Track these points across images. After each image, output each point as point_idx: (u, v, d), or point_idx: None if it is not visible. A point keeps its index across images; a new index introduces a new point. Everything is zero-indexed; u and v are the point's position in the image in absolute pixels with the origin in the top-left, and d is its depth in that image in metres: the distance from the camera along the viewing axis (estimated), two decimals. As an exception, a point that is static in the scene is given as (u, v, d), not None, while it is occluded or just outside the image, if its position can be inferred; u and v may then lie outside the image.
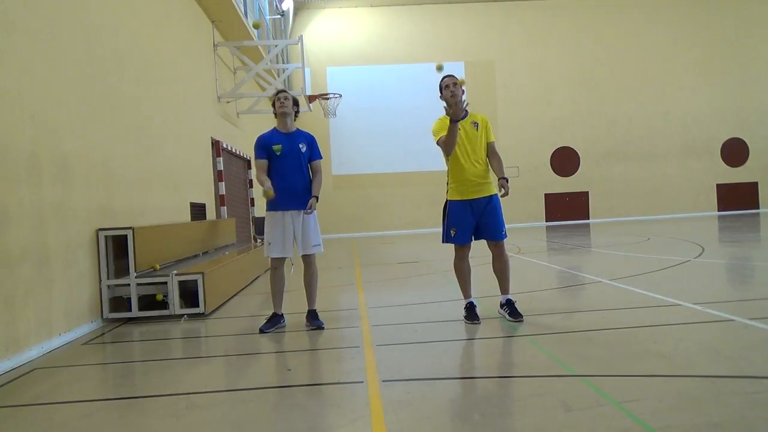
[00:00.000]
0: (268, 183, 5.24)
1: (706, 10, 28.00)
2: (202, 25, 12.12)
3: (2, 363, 4.42)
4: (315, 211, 5.47)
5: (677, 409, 2.94)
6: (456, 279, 5.45)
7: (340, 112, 20.49)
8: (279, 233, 5.35)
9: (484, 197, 5.21)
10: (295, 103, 5.57)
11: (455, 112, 4.89)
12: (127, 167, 7.21)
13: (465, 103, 5.01)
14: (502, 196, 5.18)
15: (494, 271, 5.43)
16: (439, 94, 5.21)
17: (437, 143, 5.19)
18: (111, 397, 3.90)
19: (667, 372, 3.59)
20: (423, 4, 27.34)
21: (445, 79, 5.21)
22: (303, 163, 5.43)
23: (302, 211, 5.37)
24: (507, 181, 5.13)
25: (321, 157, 5.59)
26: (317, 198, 5.42)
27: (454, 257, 5.42)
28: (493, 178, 5.30)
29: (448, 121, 5.09)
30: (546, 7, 27.68)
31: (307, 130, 5.68)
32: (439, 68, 5.73)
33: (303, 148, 5.43)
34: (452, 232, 5.23)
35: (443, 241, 5.37)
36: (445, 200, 5.35)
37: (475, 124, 5.23)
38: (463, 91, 5.13)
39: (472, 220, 5.21)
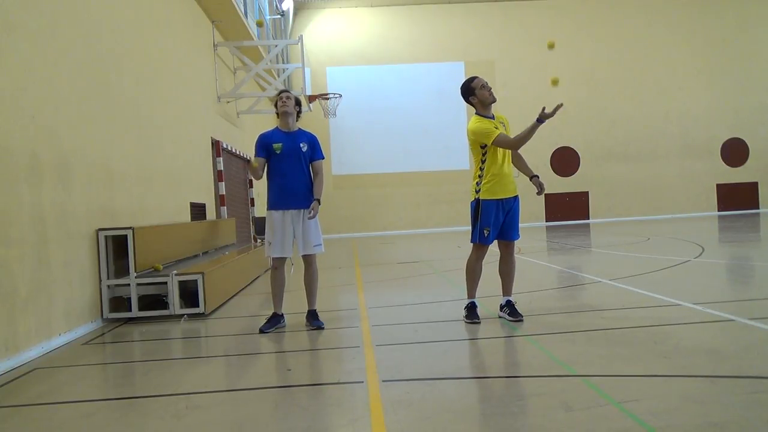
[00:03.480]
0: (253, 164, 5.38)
1: (706, 11, 28.00)
2: (202, 25, 12.12)
3: (2, 363, 4.42)
4: None
5: (677, 409, 2.93)
6: (465, 277, 5.40)
7: (340, 112, 20.47)
8: (279, 233, 5.35)
9: (512, 197, 5.25)
10: (298, 103, 5.57)
11: (546, 116, 4.77)
12: (127, 167, 7.21)
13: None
14: (539, 193, 5.26)
15: (500, 272, 5.43)
16: (470, 96, 5.22)
17: (495, 142, 5.00)
18: (111, 397, 3.90)
19: (667, 372, 3.59)
20: (423, 4, 27.33)
21: (479, 79, 5.26)
22: (304, 163, 5.42)
23: (302, 210, 5.37)
24: (539, 177, 5.26)
25: (323, 158, 5.57)
26: (319, 201, 5.41)
27: (470, 256, 5.36)
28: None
29: (488, 121, 5.12)
30: (546, 7, 27.67)
31: (309, 130, 5.68)
32: (555, 82, 5.82)
33: (304, 147, 5.43)
34: (486, 232, 5.16)
35: (473, 241, 5.26)
36: (474, 200, 5.21)
37: (502, 125, 5.27)
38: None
39: (501, 219, 5.21)
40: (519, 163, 5.40)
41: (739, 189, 28.07)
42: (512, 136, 5.24)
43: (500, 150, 5.13)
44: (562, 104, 4.66)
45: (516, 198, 5.27)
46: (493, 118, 5.23)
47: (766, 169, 28.08)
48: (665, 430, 2.68)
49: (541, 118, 4.77)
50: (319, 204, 5.39)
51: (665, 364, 3.75)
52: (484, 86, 5.19)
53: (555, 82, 6.27)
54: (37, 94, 5.23)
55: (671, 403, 3.02)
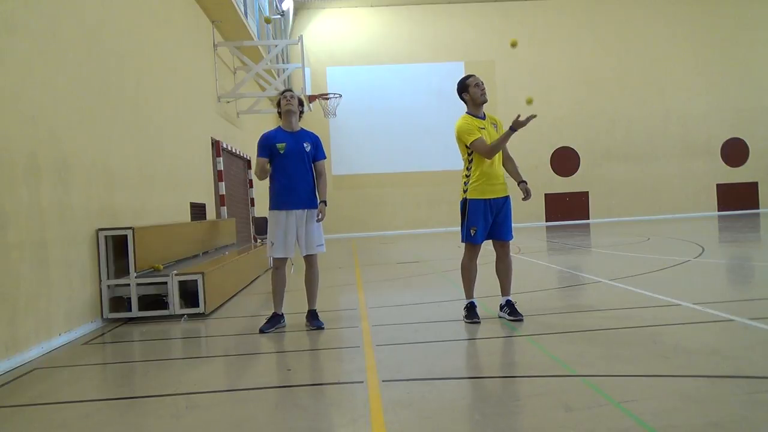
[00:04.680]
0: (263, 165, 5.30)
1: (707, 10, 27.99)
2: (202, 25, 12.12)
3: (2, 363, 4.42)
4: (317, 210, 5.46)
5: (677, 409, 2.94)
6: (461, 278, 5.42)
7: (340, 112, 20.46)
8: (281, 233, 5.35)
9: (501, 197, 5.25)
10: (300, 103, 5.58)
11: (519, 125, 4.92)
12: (127, 167, 7.21)
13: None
14: (525, 199, 5.26)
15: (497, 272, 5.43)
16: (463, 93, 5.27)
17: (471, 145, 5.11)
18: (111, 397, 3.90)
19: (667, 372, 3.59)
20: (423, 4, 27.32)
21: (473, 77, 5.29)
22: (307, 163, 5.42)
23: (306, 210, 5.37)
24: (527, 183, 5.25)
25: (325, 158, 5.58)
26: (326, 203, 5.42)
27: (463, 257, 5.39)
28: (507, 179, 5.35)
29: (474, 121, 5.16)
30: (546, 7, 27.66)
31: (311, 131, 5.67)
32: (514, 44, 5.99)
33: (307, 147, 5.42)
34: (472, 232, 5.19)
35: (462, 241, 5.30)
36: (462, 199, 5.27)
37: (494, 125, 5.30)
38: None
39: (489, 219, 5.22)
40: (509, 165, 5.39)
41: (739, 189, 28.05)
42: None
43: None
44: (535, 115, 4.90)
45: (506, 198, 5.28)
46: (483, 118, 5.26)
47: (766, 169, 28.07)
48: (665, 430, 2.68)
49: (514, 127, 4.91)
50: (326, 205, 5.41)
51: (665, 364, 3.75)
52: (478, 85, 5.25)
53: (530, 101, 6.32)
54: (37, 94, 5.23)
55: (671, 403, 3.02)
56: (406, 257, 13.28)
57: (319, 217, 5.35)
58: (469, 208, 5.21)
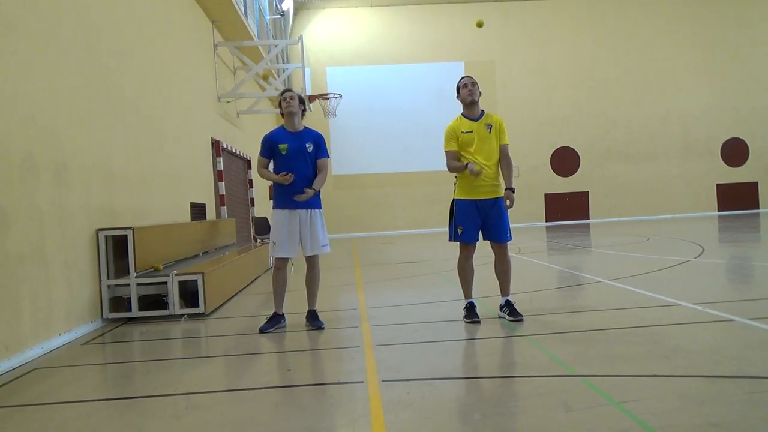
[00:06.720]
0: (275, 176, 5.25)
1: (707, 10, 27.99)
2: (202, 25, 12.12)
3: (2, 363, 4.42)
4: (320, 210, 5.46)
5: (677, 409, 2.94)
6: (458, 279, 5.44)
7: (340, 112, 20.46)
8: (285, 233, 5.33)
9: (491, 199, 5.24)
10: (301, 101, 5.55)
11: (476, 174, 5.10)
12: (127, 167, 7.21)
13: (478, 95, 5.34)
14: (507, 207, 5.24)
15: (496, 273, 5.43)
16: (456, 95, 5.38)
17: (444, 152, 5.32)
18: (111, 397, 3.91)
19: (667, 372, 3.59)
20: (423, 4, 27.32)
21: (464, 79, 5.35)
22: (309, 163, 5.39)
23: (309, 210, 5.35)
24: (513, 192, 5.20)
25: (328, 156, 5.56)
26: (315, 191, 5.36)
27: (458, 257, 5.41)
28: (501, 181, 5.33)
29: (460, 126, 5.26)
30: (546, 7, 27.66)
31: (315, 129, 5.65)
32: (479, 24, 6.07)
33: (309, 147, 5.40)
34: (459, 230, 5.25)
35: (450, 240, 5.36)
36: (452, 199, 5.35)
37: (489, 127, 5.30)
38: (479, 92, 5.35)
39: (478, 219, 5.24)
40: (503, 168, 5.37)
41: (739, 189, 28.06)
42: (506, 140, 5.37)
43: (477, 152, 5.19)
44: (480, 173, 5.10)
45: (496, 201, 5.25)
46: (477, 119, 5.27)
47: (766, 169, 28.08)
48: (665, 430, 2.69)
49: (469, 167, 5.11)
50: (314, 192, 5.34)
51: (665, 364, 3.75)
52: (465, 86, 5.32)
53: (480, 24, 6.38)
54: (37, 94, 5.23)
55: (671, 403, 3.02)
56: (406, 257, 13.29)
57: (300, 196, 5.23)
58: (456, 208, 5.29)
